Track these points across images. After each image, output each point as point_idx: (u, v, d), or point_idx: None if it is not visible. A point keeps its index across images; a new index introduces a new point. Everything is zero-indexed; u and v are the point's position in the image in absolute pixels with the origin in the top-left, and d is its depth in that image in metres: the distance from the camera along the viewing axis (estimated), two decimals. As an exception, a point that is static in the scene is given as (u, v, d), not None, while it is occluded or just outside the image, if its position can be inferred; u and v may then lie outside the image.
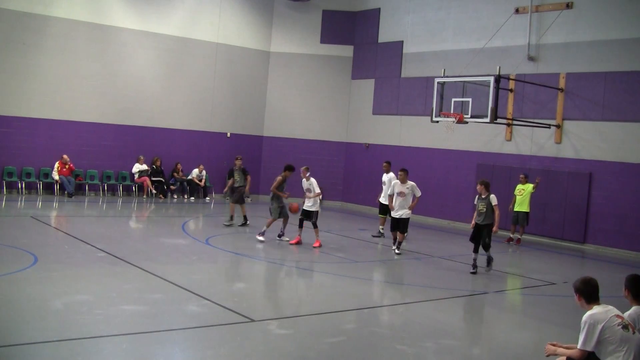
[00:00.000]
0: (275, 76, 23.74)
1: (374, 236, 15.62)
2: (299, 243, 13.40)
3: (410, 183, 13.40)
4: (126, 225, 16.03)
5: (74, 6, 19.41)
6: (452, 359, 6.92)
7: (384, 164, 15.81)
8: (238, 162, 16.00)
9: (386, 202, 14.42)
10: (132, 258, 10.66)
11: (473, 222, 11.77)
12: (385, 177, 15.37)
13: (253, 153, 23.54)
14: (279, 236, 13.69)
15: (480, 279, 11.60)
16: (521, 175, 16.46)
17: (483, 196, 11.59)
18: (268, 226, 13.48)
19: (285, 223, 13.80)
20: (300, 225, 13.54)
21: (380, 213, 15.74)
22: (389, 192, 13.68)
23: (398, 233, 13.43)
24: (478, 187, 11.79)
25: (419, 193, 13.40)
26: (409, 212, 13.37)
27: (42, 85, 19.04)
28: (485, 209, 11.52)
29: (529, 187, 16.11)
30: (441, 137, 19.14)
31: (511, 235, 16.44)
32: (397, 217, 13.36)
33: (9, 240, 11.41)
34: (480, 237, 11.60)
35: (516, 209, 16.16)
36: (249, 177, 16.03)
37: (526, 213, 16.12)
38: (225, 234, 14.45)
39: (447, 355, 7.00)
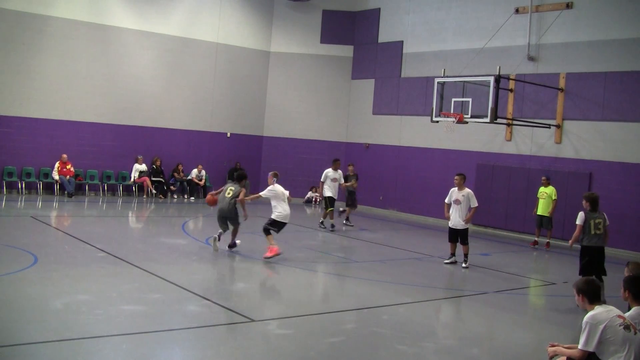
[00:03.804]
0: (275, 76, 23.75)
1: (331, 230, 15.97)
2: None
3: (467, 190, 12.23)
4: (126, 225, 16.04)
5: (74, 6, 19.41)
6: (452, 359, 6.92)
7: (334, 161, 16.52)
8: (351, 168, 17.43)
9: (330, 194, 15.94)
10: (132, 258, 10.66)
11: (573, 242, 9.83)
12: (336, 174, 16.20)
13: (253, 153, 23.55)
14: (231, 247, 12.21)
15: (480, 279, 11.59)
16: (543, 178, 15.90)
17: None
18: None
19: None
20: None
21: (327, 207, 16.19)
22: (445, 201, 12.52)
23: (460, 245, 12.34)
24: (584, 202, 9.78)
25: (474, 203, 12.14)
26: (464, 223, 12.15)
27: (42, 85, 19.03)
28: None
29: (550, 190, 15.65)
30: (441, 137, 19.15)
31: (536, 239, 16.15)
32: (453, 227, 12.29)
33: (9, 240, 11.41)
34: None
35: (539, 212, 15.74)
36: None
37: (549, 218, 15.65)
38: (225, 234, 14.43)
39: (447, 355, 7.00)
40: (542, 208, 15.70)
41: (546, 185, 15.81)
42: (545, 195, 15.70)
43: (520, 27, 18.04)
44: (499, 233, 18.07)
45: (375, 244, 14.77)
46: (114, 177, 20.57)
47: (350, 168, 17.52)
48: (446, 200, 12.49)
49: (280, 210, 11.62)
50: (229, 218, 11.82)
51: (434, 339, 7.55)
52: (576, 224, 9.66)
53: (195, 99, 22.14)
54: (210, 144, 22.55)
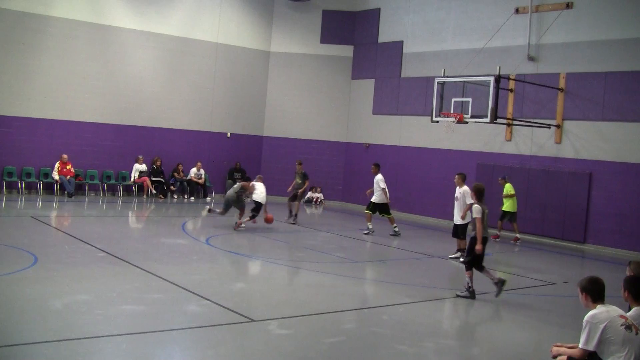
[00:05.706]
0: (275, 76, 23.74)
1: (391, 235, 15.90)
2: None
3: (464, 188, 12.78)
4: (126, 225, 16.04)
5: (74, 6, 19.41)
6: (452, 359, 6.92)
7: (372, 166, 16.36)
8: (299, 167, 17.29)
9: (378, 201, 15.64)
10: (132, 258, 10.66)
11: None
12: (374, 179, 16.03)
13: (253, 153, 23.55)
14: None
15: (480, 278, 11.58)
16: (499, 179, 16.71)
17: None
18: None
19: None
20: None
21: (383, 213, 15.93)
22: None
23: (458, 240, 13.07)
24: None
25: (469, 201, 12.46)
26: (460, 220, 12.76)
27: (42, 85, 19.03)
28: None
29: (507, 187, 16.42)
30: (441, 137, 19.15)
31: (498, 233, 16.78)
32: (455, 223, 13.07)
33: (9, 240, 11.41)
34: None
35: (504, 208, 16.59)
36: (307, 181, 17.26)
37: (512, 213, 16.42)
38: (226, 234, 14.44)
39: (447, 355, 7.00)
40: (507, 205, 16.39)
41: (503, 184, 16.48)
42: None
43: (520, 27, 18.04)
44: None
45: (375, 244, 14.77)
46: (114, 177, 20.57)
47: (298, 167, 17.26)
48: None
49: None
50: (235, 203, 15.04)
51: (434, 339, 7.54)
52: (476, 217, 9.47)
53: (195, 99, 22.14)
54: (210, 144, 22.55)
